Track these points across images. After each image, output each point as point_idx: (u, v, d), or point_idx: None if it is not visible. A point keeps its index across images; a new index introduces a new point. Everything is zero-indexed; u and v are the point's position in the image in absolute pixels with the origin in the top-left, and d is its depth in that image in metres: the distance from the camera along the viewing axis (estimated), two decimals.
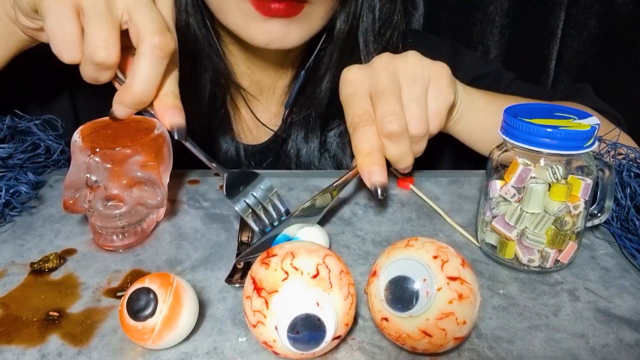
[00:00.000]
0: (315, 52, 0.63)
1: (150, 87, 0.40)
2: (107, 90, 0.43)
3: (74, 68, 0.41)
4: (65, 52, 0.39)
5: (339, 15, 0.61)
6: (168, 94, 0.42)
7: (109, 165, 0.42)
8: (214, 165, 0.46)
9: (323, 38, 0.63)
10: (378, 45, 0.63)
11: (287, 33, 0.55)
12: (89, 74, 0.40)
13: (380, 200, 0.48)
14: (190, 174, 0.59)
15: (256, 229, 0.45)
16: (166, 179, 0.47)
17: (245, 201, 0.45)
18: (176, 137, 0.42)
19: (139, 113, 0.44)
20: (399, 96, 0.47)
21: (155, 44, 0.39)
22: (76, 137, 0.43)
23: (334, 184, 0.47)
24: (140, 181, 0.43)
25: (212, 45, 0.62)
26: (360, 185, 0.55)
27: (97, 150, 0.42)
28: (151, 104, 0.42)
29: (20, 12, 0.42)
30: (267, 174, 0.50)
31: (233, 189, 0.45)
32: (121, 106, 0.41)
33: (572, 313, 0.38)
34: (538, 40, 0.92)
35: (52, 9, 0.38)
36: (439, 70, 0.49)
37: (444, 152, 0.72)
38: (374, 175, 0.45)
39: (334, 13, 0.60)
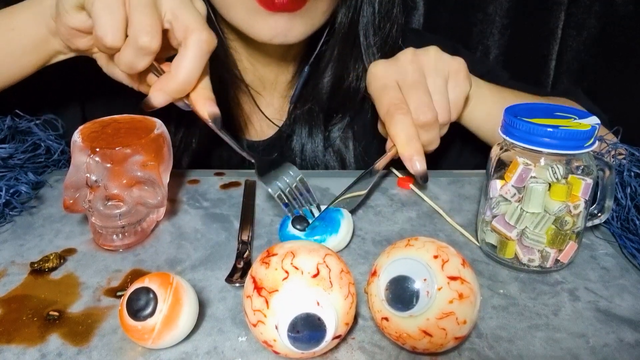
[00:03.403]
0: (318, 47, 0.64)
1: (193, 77, 0.44)
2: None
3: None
4: (109, 35, 0.41)
5: (340, 9, 0.62)
6: (204, 86, 0.46)
7: (109, 165, 0.42)
8: (244, 153, 0.48)
9: (326, 32, 0.63)
10: (378, 38, 0.64)
11: (291, 28, 0.55)
12: (127, 59, 0.43)
13: (422, 183, 0.54)
14: (190, 174, 0.59)
15: (285, 210, 0.46)
16: (166, 179, 0.47)
17: (277, 184, 0.46)
18: (212, 126, 0.46)
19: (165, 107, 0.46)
20: (428, 88, 0.52)
21: (203, 38, 0.43)
22: (76, 137, 0.43)
23: (375, 165, 0.51)
24: (140, 181, 0.43)
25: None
26: None
27: (97, 150, 0.42)
28: (186, 96, 0.46)
29: (65, 9, 0.44)
30: None
31: (266, 173, 0.47)
32: (161, 93, 0.44)
33: (572, 313, 0.38)
34: (538, 40, 0.92)
35: None
36: (457, 65, 0.53)
37: (445, 152, 0.72)
38: (416, 163, 0.51)
39: (336, 7, 0.61)
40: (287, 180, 0.47)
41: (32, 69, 0.53)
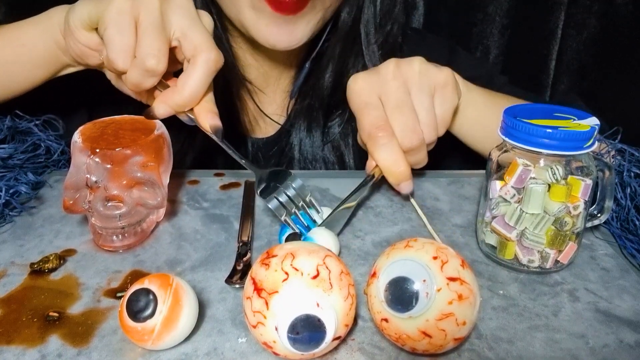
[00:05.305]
0: (320, 44, 0.64)
1: (198, 94, 0.45)
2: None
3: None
4: (121, 58, 0.42)
5: (343, 7, 0.62)
6: (208, 100, 0.47)
7: (109, 166, 0.42)
8: (243, 162, 0.48)
9: (328, 29, 0.63)
10: (379, 36, 0.64)
11: (293, 30, 0.55)
12: (134, 79, 0.43)
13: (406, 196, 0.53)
14: (190, 174, 0.59)
15: (295, 228, 0.45)
16: (166, 179, 0.47)
17: (277, 199, 0.46)
18: (214, 138, 0.47)
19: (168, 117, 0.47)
20: (413, 108, 0.49)
21: (212, 58, 0.44)
22: (76, 137, 0.43)
23: (356, 192, 0.49)
24: (140, 182, 0.43)
25: (220, 38, 0.63)
26: None
27: (97, 150, 0.42)
28: (190, 109, 0.47)
29: (77, 28, 0.46)
30: None
31: (265, 187, 0.47)
32: (165, 106, 0.45)
33: (572, 313, 0.38)
34: (538, 40, 0.92)
35: (115, 20, 0.42)
36: (444, 78, 0.50)
37: (445, 153, 0.72)
38: (405, 187, 0.50)
39: (338, 5, 0.61)
40: (290, 194, 0.46)
41: (42, 80, 0.54)
